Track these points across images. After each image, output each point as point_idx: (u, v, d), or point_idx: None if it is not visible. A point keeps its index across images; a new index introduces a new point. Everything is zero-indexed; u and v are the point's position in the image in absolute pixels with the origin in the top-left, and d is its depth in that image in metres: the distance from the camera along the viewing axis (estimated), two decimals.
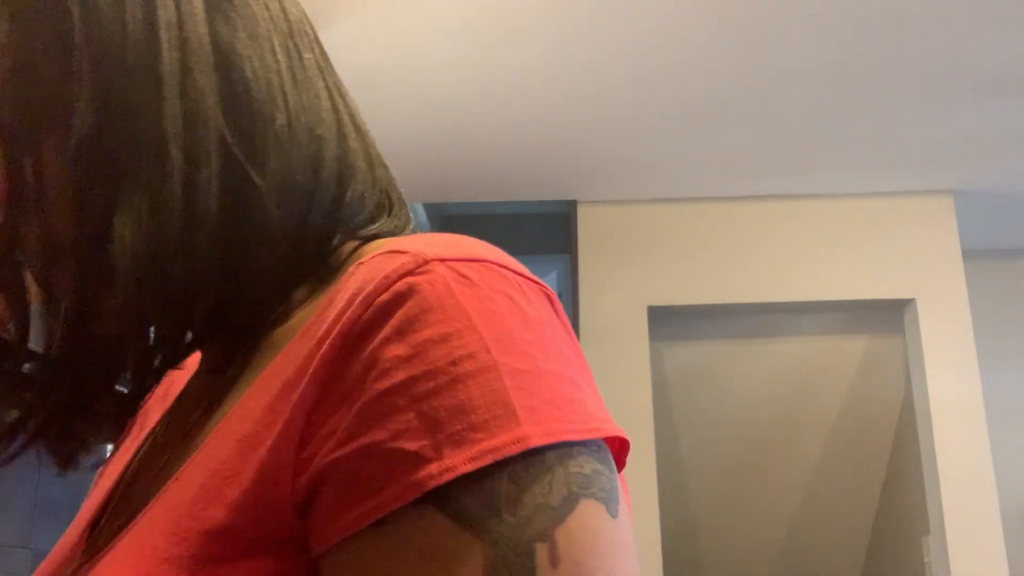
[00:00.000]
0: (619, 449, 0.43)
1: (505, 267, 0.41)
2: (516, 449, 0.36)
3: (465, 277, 0.40)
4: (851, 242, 3.63)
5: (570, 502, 0.37)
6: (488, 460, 0.36)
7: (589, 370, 0.43)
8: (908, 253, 3.61)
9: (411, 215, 0.55)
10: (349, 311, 0.39)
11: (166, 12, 0.45)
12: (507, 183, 3.57)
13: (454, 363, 0.37)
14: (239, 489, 0.38)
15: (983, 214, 3.80)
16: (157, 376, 0.47)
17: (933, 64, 2.77)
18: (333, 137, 0.50)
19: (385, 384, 0.37)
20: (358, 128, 0.52)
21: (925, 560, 3.52)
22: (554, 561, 0.36)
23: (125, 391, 0.47)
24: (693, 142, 3.26)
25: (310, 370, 0.39)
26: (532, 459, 0.37)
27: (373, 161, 0.52)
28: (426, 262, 0.39)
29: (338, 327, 0.39)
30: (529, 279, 0.42)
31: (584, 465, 0.38)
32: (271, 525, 0.38)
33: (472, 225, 5.62)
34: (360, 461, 0.36)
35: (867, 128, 3.16)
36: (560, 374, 0.40)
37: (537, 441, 0.36)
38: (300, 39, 0.51)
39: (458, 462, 0.36)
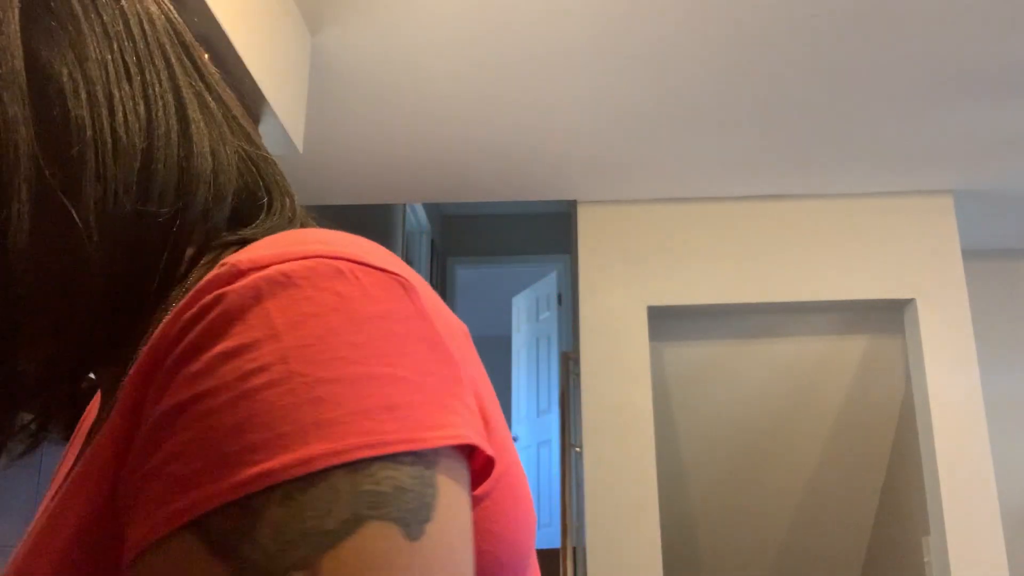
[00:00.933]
0: (486, 460, 0.39)
1: (343, 259, 0.37)
2: (296, 472, 0.32)
3: (285, 279, 0.36)
4: (851, 242, 3.63)
5: (350, 525, 0.33)
6: (261, 485, 0.32)
7: (452, 367, 0.38)
8: (908, 253, 3.61)
9: (299, 209, 0.52)
10: (164, 328, 0.37)
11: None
12: (507, 183, 3.57)
13: (242, 378, 0.34)
14: (60, 541, 0.37)
15: (983, 214, 3.80)
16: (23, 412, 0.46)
17: (933, 64, 2.77)
18: (171, 146, 0.46)
19: (170, 403, 0.34)
20: (231, 118, 0.50)
21: (925, 560, 3.52)
22: None
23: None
24: (693, 142, 3.26)
25: (125, 398, 0.37)
26: (314, 478, 0.33)
27: (244, 160, 0.50)
28: (241, 272, 0.36)
29: (152, 346, 0.37)
30: (375, 268, 0.38)
31: (383, 482, 0.34)
32: (107, 568, 0.36)
33: (472, 225, 5.62)
34: (141, 486, 0.34)
35: (867, 128, 3.16)
36: (386, 376, 0.35)
37: (325, 462, 0.33)
38: (149, 41, 0.48)
39: (224, 488, 0.32)
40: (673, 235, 3.69)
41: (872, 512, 4.02)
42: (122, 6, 0.47)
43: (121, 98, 0.45)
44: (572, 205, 3.81)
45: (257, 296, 0.35)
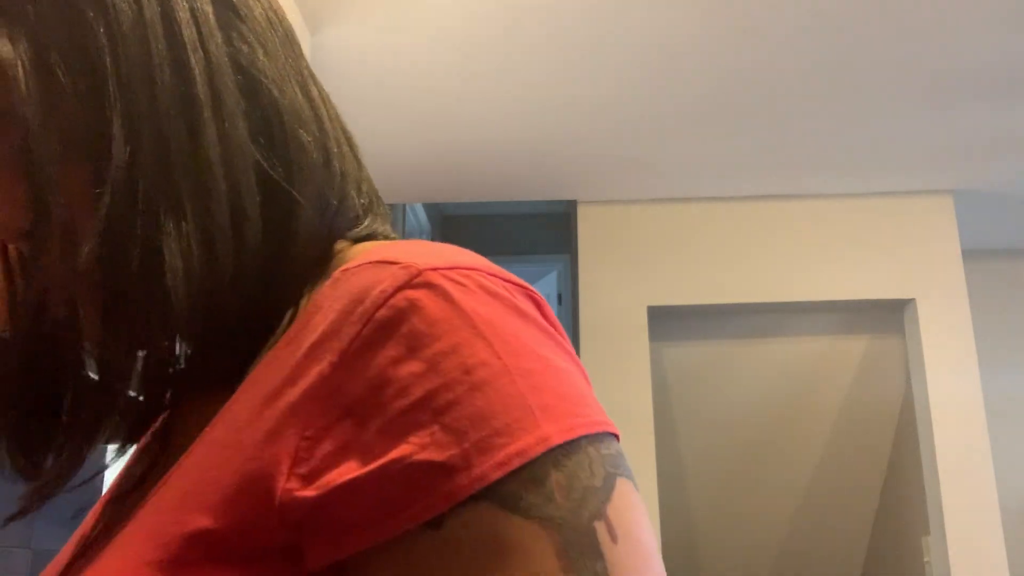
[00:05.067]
0: None
1: (490, 272, 0.42)
2: (540, 449, 0.37)
3: (461, 285, 0.40)
4: (851, 242, 3.63)
5: (610, 482, 0.39)
6: (516, 464, 0.37)
7: (583, 368, 0.44)
8: (908, 253, 3.61)
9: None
10: (344, 327, 0.39)
11: (193, 32, 0.44)
12: (507, 183, 3.57)
13: (468, 372, 0.38)
14: (220, 495, 0.38)
15: (983, 214, 3.80)
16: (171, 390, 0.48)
17: (933, 64, 2.77)
18: (332, 145, 0.50)
19: (405, 402, 0.37)
20: (344, 130, 0.52)
21: (925, 560, 3.52)
22: (613, 536, 0.38)
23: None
24: (693, 142, 3.26)
25: (303, 384, 0.39)
26: (570, 447, 0.38)
27: (359, 162, 0.53)
28: (420, 273, 0.40)
29: (334, 343, 0.39)
30: (514, 283, 0.43)
31: (609, 448, 0.40)
32: (254, 533, 0.38)
33: (472, 225, 5.62)
34: (387, 478, 0.37)
35: (867, 128, 3.16)
36: (564, 369, 0.41)
37: (559, 439, 0.38)
38: (293, 46, 0.51)
39: (488, 470, 0.37)
40: (673, 235, 3.69)
41: (872, 512, 4.02)
42: (277, 11, 0.51)
43: (303, 95, 0.49)
44: (572, 205, 3.81)
45: (447, 298, 0.39)
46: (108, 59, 0.43)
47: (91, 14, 0.43)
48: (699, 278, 3.62)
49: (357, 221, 0.51)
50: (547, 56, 2.71)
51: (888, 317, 3.71)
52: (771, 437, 3.87)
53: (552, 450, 0.38)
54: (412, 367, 0.38)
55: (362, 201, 0.52)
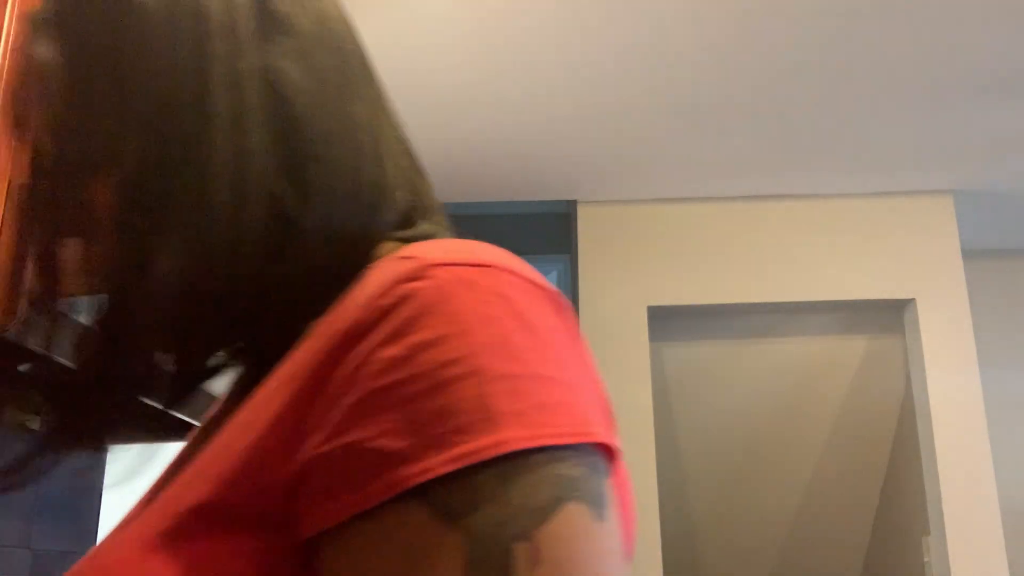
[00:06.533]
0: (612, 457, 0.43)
1: (511, 272, 0.42)
2: (493, 452, 0.37)
3: (467, 281, 0.40)
4: (851, 242, 3.63)
5: (554, 504, 0.37)
6: (465, 463, 0.37)
7: (595, 377, 0.43)
8: (908, 253, 3.61)
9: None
10: (350, 311, 0.41)
11: (220, 44, 0.46)
12: (507, 183, 3.57)
13: (441, 367, 0.38)
14: (227, 466, 0.40)
15: (983, 214, 3.80)
16: (187, 385, 0.51)
17: (933, 64, 2.77)
18: (372, 150, 0.51)
19: (376, 384, 0.38)
20: (397, 134, 0.54)
21: (925, 560, 3.52)
22: (534, 561, 0.36)
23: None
24: (693, 142, 3.26)
25: (310, 367, 0.41)
26: (518, 460, 0.37)
27: (416, 168, 0.54)
28: (429, 267, 0.41)
29: (337, 325, 0.41)
30: (535, 284, 0.43)
31: (571, 468, 0.38)
32: (254, 504, 0.39)
33: (472, 225, 5.62)
34: (344, 455, 0.38)
35: (867, 128, 3.16)
36: (553, 378, 0.40)
37: (516, 445, 0.37)
38: (346, 56, 0.52)
39: (436, 463, 0.37)
40: (673, 235, 3.68)
41: (872, 512, 4.02)
42: (330, 11, 0.52)
43: (341, 101, 0.50)
44: (572, 205, 3.81)
45: (447, 294, 0.40)
46: (133, 70, 0.45)
47: (126, 21, 0.45)
48: (699, 278, 3.62)
49: (404, 224, 0.52)
50: (547, 57, 2.71)
51: (888, 317, 3.71)
52: (771, 437, 3.87)
53: (504, 457, 0.37)
54: (392, 351, 0.39)
55: (413, 204, 0.53)
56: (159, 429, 1.82)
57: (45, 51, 0.45)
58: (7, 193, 1.18)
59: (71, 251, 0.46)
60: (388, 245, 0.50)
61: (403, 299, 0.40)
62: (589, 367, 0.43)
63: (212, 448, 0.43)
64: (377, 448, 0.37)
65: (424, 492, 0.37)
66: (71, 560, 1.79)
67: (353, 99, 0.51)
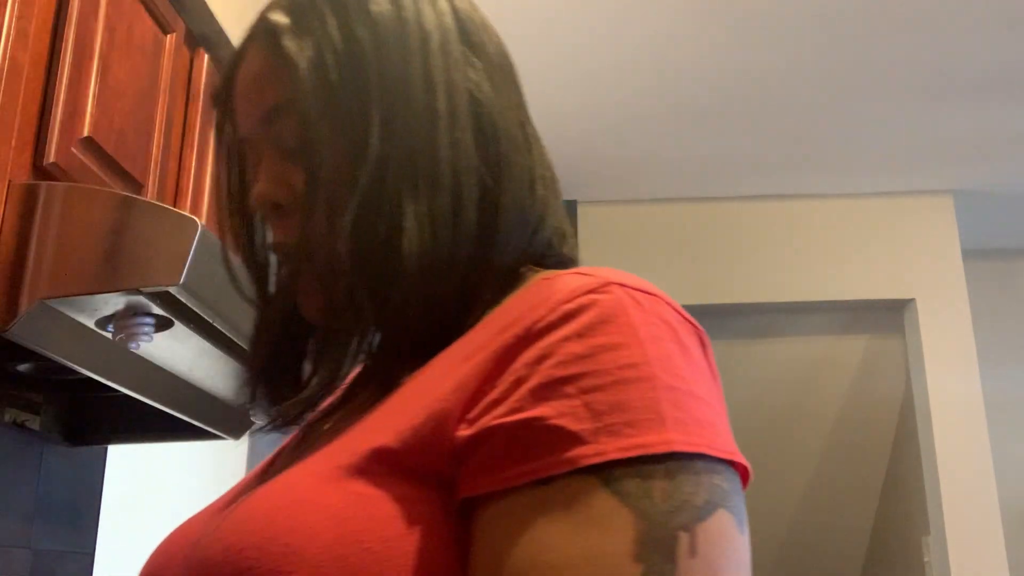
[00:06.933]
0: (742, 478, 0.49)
1: (670, 304, 0.49)
2: (662, 449, 0.42)
3: (638, 303, 0.47)
4: (851, 242, 3.63)
5: (710, 507, 0.43)
6: (636, 453, 0.42)
7: (725, 409, 0.49)
8: (908, 253, 3.61)
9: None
10: (535, 311, 0.47)
11: (439, 59, 0.56)
12: None
13: (620, 368, 0.44)
14: (410, 424, 0.46)
15: (983, 214, 3.80)
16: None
17: (933, 64, 2.77)
18: (537, 175, 0.59)
19: (561, 372, 0.44)
20: (549, 168, 0.62)
21: (925, 560, 3.52)
22: (692, 552, 0.41)
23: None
24: (693, 142, 3.26)
25: (490, 349, 0.47)
26: (682, 461, 0.43)
27: (558, 200, 0.61)
28: (609, 284, 0.48)
29: (523, 321, 0.47)
30: (687, 319, 0.50)
31: (724, 482, 0.44)
32: (427, 459, 0.45)
33: None
34: (525, 429, 0.43)
35: (867, 128, 3.16)
36: (705, 400, 0.46)
37: (680, 447, 0.43)
38: (516, 86, 0.62)
39: (611, 448, 0.42)
40: (673, 235, 3.68)
41: (872, 512, 4.02)
42: (503, 47, 0.62)
43: (517, 124, 0.60)
44: (572, 205, 3.81)
45: (623, 308, 0.46)
46: (373, 70, 0.54)
47: (361, 33, 0.55)
48: (699, 278, 3.62)
49: (550, 248, 0.60)
50: (546, 57, 2.71)
51: (888, 317, 3.71)
52: (771, 437, 3.87)
53: (670, 455, 0.43)
54: (576, 348, 0.45)
55: (558, 230, 0.60)
56: (160, 429, 1.82)
57: (295, 47, 0.54)
58: (7, 193, 1.18)
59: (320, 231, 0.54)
60: (531, 270, 0.58)
61: (586, 306, 0.46)
62: (723, 402, 0.49)
63: (388, 407, 0.49)
64: (557, 427, 0.43)
65: (596, 471, 0.42)
66: (71, 560, 1.79)
67: (524, 120, 0.61)
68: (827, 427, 3.88)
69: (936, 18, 2.54)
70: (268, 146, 0.57)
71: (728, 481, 0.45)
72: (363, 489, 0.45)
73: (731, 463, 0.46)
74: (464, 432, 0.45)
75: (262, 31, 0.57)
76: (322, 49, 0.54)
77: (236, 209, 0.63)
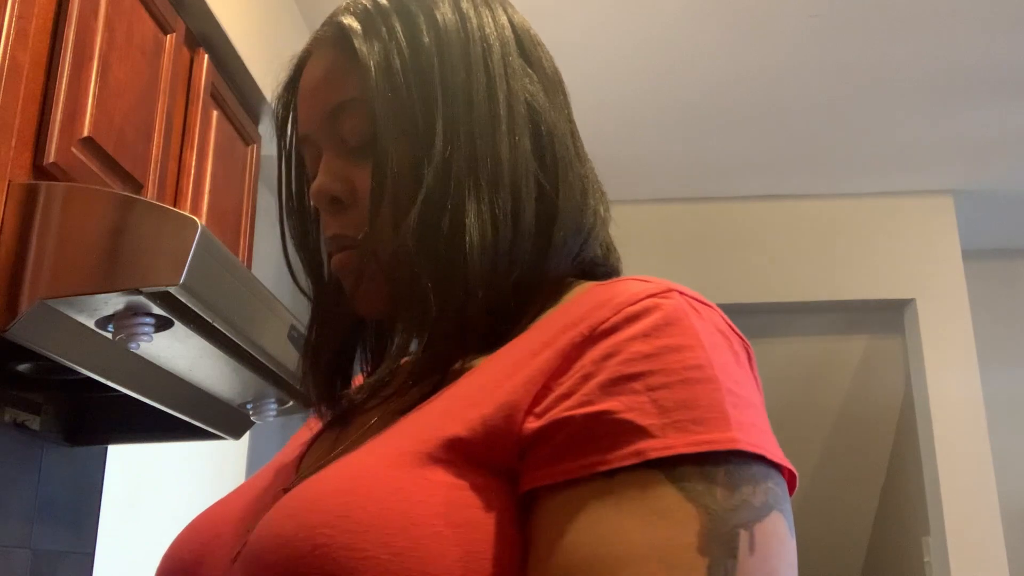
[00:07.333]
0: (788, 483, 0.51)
1: (723, 317, 0.52)
2: (727, 446, 0.44)
3: (697, 311, 0.50)
4: (851, 242, 3.63)
5: (767, 508, 0.45)
6: (703, 448, 0.44)
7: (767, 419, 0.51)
8: (908, 253, 3.61)
9: None
10: (599, 312, 0.49)
11: (500, 68, 0.59)
12: None
13: (686, 368, 0.46)
14: (479, 414, 0.47)
15: (983, 214, 3.80)
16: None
17: (933, 64, 2.77)
18: (590, 185, 0.61)
19: (628, 369, 0.46)
20: (597, 181, 0.64)
21: (925, 560, 3.52)
22: (751, 549, 0.43)
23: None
24: (693, 142, 3.26)
25: (557, 347, 0.49)
26: (743, 462, 0.45)
27: (607, 213, 0.63)
28: (670, 290, 0.50)
29: (587, 321, 0.49)
30: (737, 332, 0.52)
31: (777, 486, 0.47)
32: (495, 450, 0.47)
33: None
34: (593, 421, 0.45)
35: (867, 128, 3.16)
36: (758, 408, 0.49)
37: (744, 446, 0.45)
38: (567, 102, 0.64)
39: (678, 443, 0.44)
40: (673, 235, 3.68)
41: (872, 512, 4.02)
42: (553, 63, 0.66)
43: (569, 136, 0.62)
44: None
45: (685, 314, 0.49)
46: (438, 75, 0.57)
47: (427, 40, 0.58)
48: (699, 278, 3.62)
49: (598, 258, 0.62)
50: None
51: (888, 317, 3.71)
52: None
53: (732, 454, 0.44)
54: (643, 347, 0.47)
55: (606, 243, 0.63)
56: (160, 429, 1.82)
57: (365, 49, 0.57)
58: (7, 193, 1.18)
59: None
60: (578, 281, 0.60)
61: (650, 309, 0.48)
62: (764, 409, 0.51)
63: (453, 399, 0.50)
64: (625, 420, 0.44)
65: (662, 465, 0.44)
66: (71, 560, 1.79)
67: (575, 133, 0.63)
68: (827, 427, 3.88)
69: (936, 18, 2.54)
70: (330, 143, 0.60)
71: (780, 486, 0.47)
72: (437, 476, 0.46)
73: (781, 469, 0.48)
74: (532, 424, 0.46)
75: (333, 34, 0.60)
76: (391, 53, 0.57)
77: (294, 208, 0.65)
